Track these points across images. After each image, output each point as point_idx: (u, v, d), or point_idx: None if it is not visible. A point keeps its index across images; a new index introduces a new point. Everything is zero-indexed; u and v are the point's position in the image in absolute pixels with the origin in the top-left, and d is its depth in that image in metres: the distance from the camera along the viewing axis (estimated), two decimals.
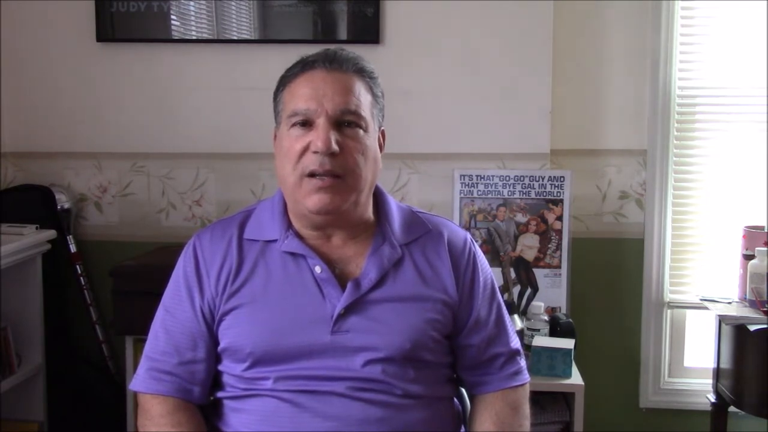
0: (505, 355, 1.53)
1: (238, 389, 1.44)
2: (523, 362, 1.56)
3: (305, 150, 1.39)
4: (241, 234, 1.49)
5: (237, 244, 1.47)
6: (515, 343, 1.56)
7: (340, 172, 1.39)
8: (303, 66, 1.45)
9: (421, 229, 1.52)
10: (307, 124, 1.41)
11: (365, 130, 1.43)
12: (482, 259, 1.56)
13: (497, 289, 1.57)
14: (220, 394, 1.48)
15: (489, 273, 1.56)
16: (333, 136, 1.38)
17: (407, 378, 1.41)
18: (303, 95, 1.41)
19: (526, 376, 1.55)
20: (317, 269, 1.42)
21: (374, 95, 1.47)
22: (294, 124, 1.41)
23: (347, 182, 1.40)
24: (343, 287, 1.42)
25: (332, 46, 1.47)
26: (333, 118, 1.40)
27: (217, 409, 1.48)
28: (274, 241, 1.46)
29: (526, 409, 1.53)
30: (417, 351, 1.42)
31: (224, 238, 1.48)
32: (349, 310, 1.40)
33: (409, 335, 1.41)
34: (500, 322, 1.54)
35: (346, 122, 1.41)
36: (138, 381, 1.47)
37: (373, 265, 1.44)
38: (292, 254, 1.45)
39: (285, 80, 1.47)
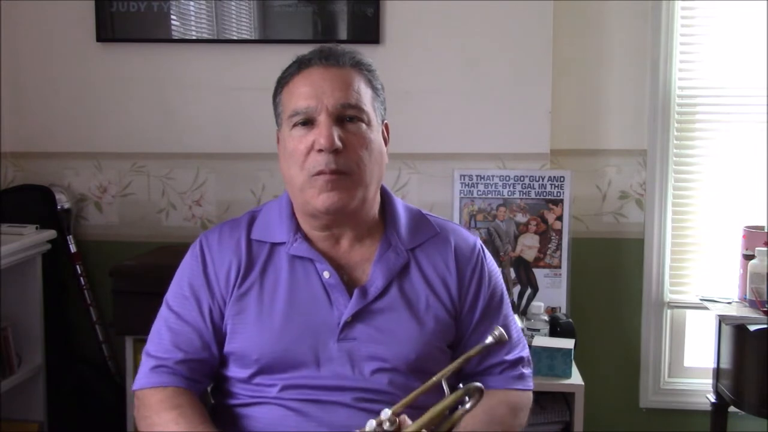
0: (508, 363, 1.48)
1: (244, 396, 1.43)
2: (527, 370, 1.51)
3: (310, 149, 1.38)
4: (249, 235, 1.47)
5: (246, 246, 1.45)
6: (521, 352, 1.51)
7: (345, 169, 1.37)
8: (299, 65, 1.43)
9: (428, 232, 1.49)
10: (308, 123, 1.39)
11: (368, 124, 1.42)
12: (492, 267, 1.52)
13: (506, 298, 1.53)
14: (226, 401, 1.46)
15: (498, 281, 1.52)
16: (336, 132, 1.37)
17: (412, 389, 1.37)
18: (302, 94, 1.39)
19: (529, 384, 1.50)
20: (326, 274, 1.41)
21: (374, 88, 1.46)
22: (296, 125, 1.40)
23: (353, 178, 1.39)
24: (350, 294, 1.40)
25: (358, 47, 1.47)
26: (334, 114, 1.38)
27: (223, 416, 1.46)
28: (282, 243, 1.45)
29: (524, 415, 1.48)
30: (422, 362, 1.40)
31: (232, 239, 1.47)
32: (356, 317, 1.39)
33: (414, 346, 1.40)
34: (507, 332, 1.49)
35: (347, 117, 1.39)
36: (139, 379, 1.45)
37: (379, 272, 1.43)
38: (300, 258, 1.43)
39: (282, 81, 1.46)
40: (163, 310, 1.49)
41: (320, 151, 1.36)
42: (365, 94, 1.42)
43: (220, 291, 1.43)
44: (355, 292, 1.40)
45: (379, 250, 1.45)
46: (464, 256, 1.49)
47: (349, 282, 1.42)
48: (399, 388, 1.38)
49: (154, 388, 1.42)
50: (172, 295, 1.49)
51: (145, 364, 1.46)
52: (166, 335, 1.45)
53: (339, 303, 1.40)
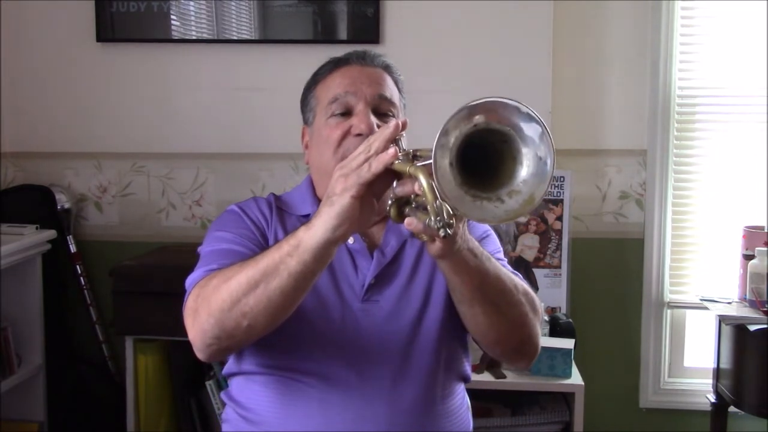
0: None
1: (262, 368, 1.43)
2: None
3: (345, 135, 1.45)
4: (279, 207, 1.54)
5: (277, 210, 1.52)
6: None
7: None
8: (336, 63, 1.53)
9: None
10: (346, 113, 1.47)
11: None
12: (482, 225, 1.57)
13: (494, 243, 1.61)
14: (244, 370, 1.47)
15: (486, 232, 1.58)
16: (374, 120, 1.45)
17: (433, 350, 1.42)
18: (341, 84, 1.49)
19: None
20: (350, 240, 1.46)
21: (400, 91, 1.57)
22: (333, 114, 1.48)
23: None
24: (370, 257, 1.46)
25: (359, 47, 1.57)
26: (371, 103, 1.47)
27: (238, 386, 1.48)
28: (307, 215, 1.50)
29: (534, 301, 1.47)
30: (435, 313, 1.45)
31: (263, 204, 1.54)
32: (378, 279, 1.45)
33: (429, 299, 1.45)
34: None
35: (381, 112, 1.48)
36: (194, 279, 1.38)
37: (391, 234, 1.49)
38: None
39: (317, 78, 1.54)
40: (199, 265, 1.43)
41: (357, 135, 1.43)
42: (395, 94, 1.53)
43: (262, 232, 1.48)
44: (375, 253, 1.46)
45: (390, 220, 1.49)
46: None
47: (369, 247, 1.49)
48: (421, 352, 1.42)
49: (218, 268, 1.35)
50: (211, 241, 1.45)
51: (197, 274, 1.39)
52: (216, 258, 1.40)
53: (363, 267, 1.45)
